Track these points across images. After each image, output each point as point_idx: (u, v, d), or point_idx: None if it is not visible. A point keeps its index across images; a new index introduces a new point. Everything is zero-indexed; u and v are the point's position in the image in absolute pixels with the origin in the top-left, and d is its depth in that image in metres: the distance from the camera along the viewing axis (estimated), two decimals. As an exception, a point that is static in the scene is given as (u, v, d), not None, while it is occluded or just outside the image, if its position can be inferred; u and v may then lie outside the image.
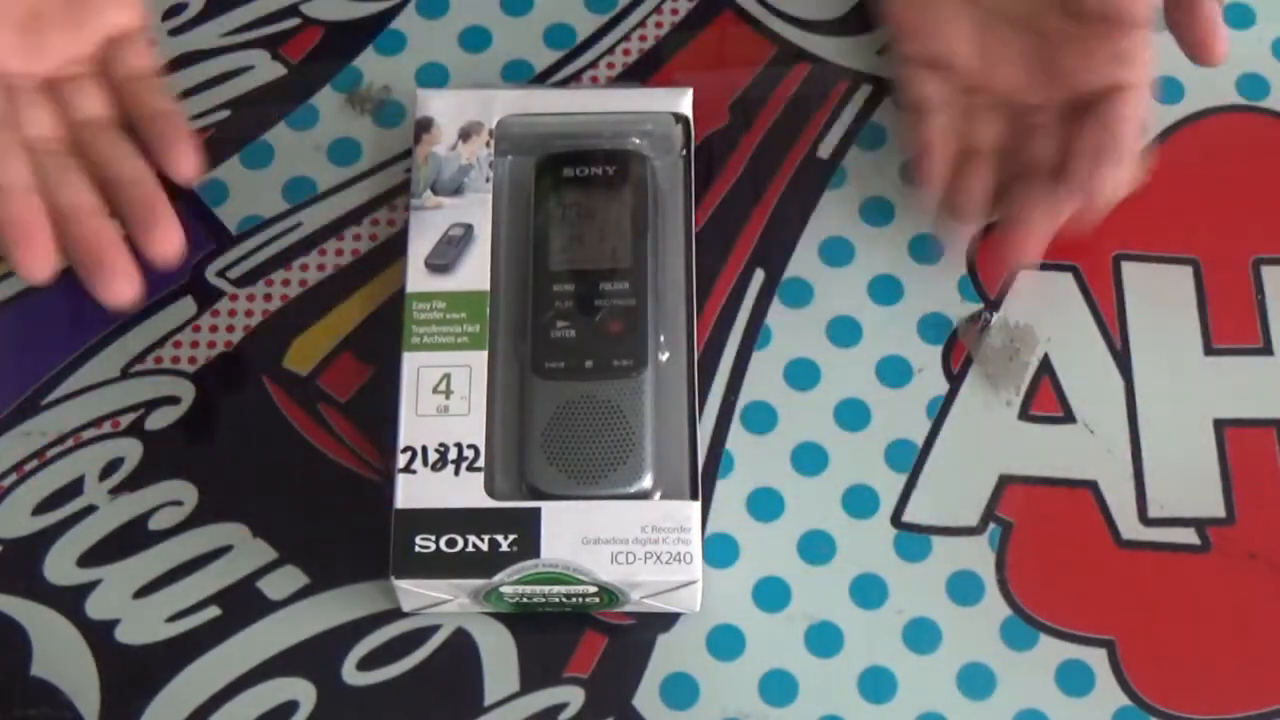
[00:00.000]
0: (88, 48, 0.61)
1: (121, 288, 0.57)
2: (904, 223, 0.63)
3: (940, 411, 0.60)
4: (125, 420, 0.60)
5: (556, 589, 0.54)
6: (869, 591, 0.57)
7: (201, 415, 0.60)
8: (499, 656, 0.56)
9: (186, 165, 0.60)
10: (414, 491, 0.55)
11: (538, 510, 0.54)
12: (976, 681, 0.56)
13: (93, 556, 0.57)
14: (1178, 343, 0.61)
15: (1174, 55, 0.66)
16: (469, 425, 0.55)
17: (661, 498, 0.55)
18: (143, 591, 0.57)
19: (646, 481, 0.55)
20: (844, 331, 0.61)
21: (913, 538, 0.58)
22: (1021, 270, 0.61)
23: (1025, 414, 0.60)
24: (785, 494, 0.59)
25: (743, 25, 0.66)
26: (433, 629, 0.57)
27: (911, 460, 0.59)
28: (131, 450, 0.59)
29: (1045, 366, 0.61)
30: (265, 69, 0.66)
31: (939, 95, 0.62)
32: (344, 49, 0.66)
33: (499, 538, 0.54)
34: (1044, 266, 0.62)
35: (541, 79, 0.66)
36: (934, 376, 0.61)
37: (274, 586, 0.57)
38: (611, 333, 0.57)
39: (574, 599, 0.55)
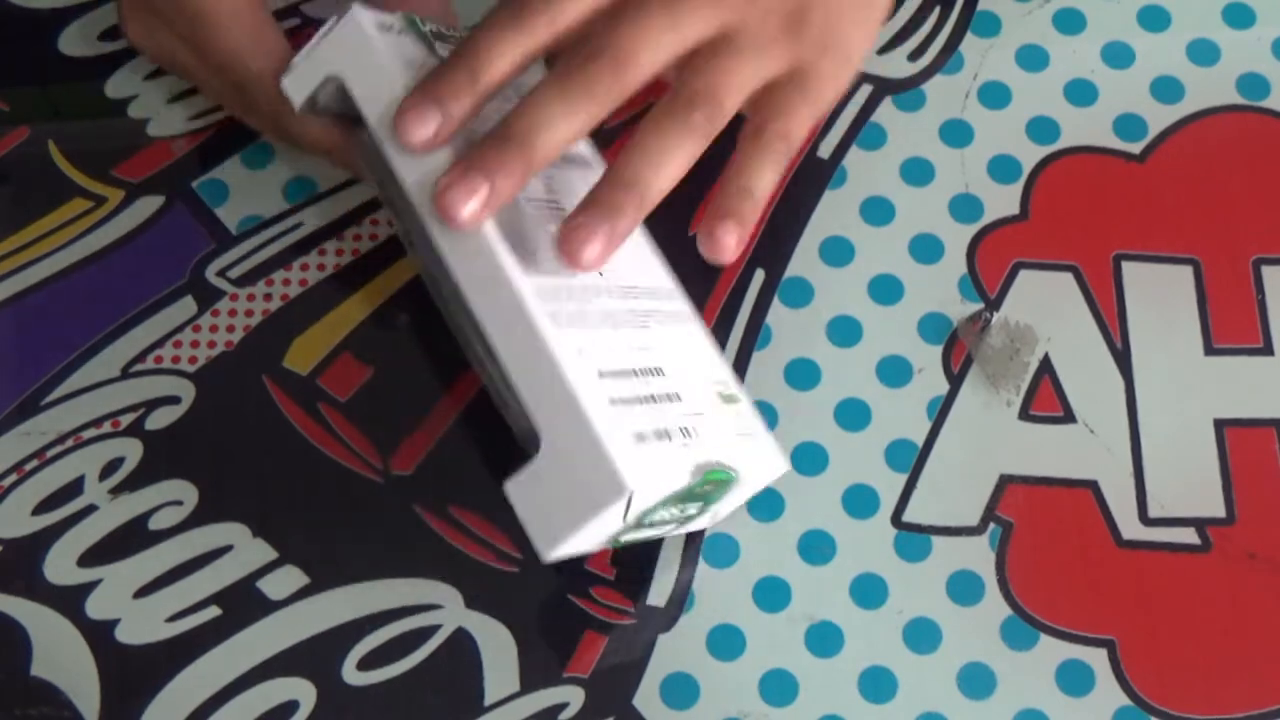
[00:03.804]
0: None
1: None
2: (904, 223, 0.63)
3: (940, 411, 0.60)
4: (125, 420, 0.60)
5: (688, 507, 0.53)
6: (869, 591, 0.57)
7: (201, 415, 0.60)
8: (499, 656, 0.56)
9: None
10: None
11: None
12: (976, 681, 0.56)
13: (93, 556, 0.57)
14: (1178, 343, 0.61)
15: (1173, 54, 0.66)
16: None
17: None
18: (143, 591, 0.57)
19: None
20: (844, 331, 0.61)
21: (913, 538, 0.58)
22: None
23: (1025, 414, 0.60)
24: (785, 493, 0.59)
25: (743, 25, 0.66)
26: (433, 629, 0.57)
27: (911, 460, 0.59)
28: (131, 450, 0.59)
29: (1045, 366, 0.61)
30: (265, 69, 0.66)
31: None
32: (344, 49, 0.66)
33: None
34: (1044, 267, 0.62)
35: (541, 79, 0.66)
36: (934, 376, 0.61)
37: (274, 586, 0.57)
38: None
39: (684, 517, 0.54)
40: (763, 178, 0.53)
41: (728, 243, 0.52)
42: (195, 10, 0.57)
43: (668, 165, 0.52)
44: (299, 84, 0.55)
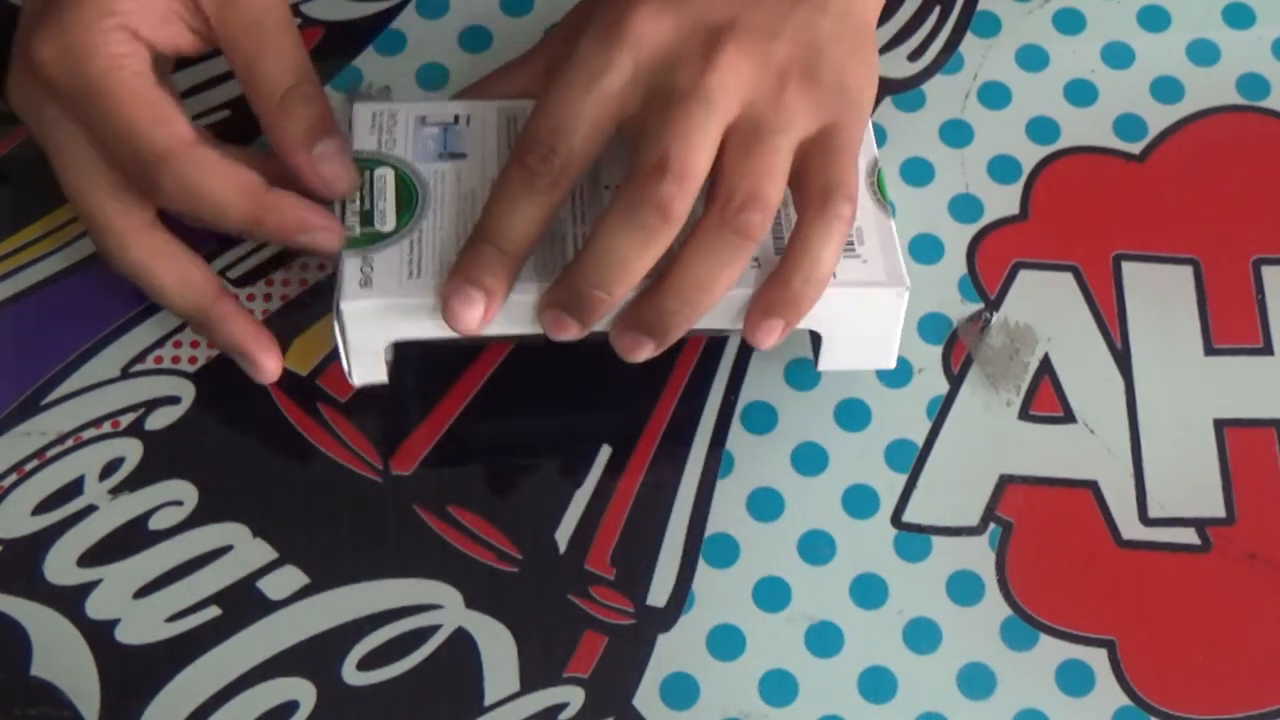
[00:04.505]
0: None
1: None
2: (904, 223, 0.63)
3: (940, 411, 0.60)
4: (125, 420, 0.60)
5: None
6: (869, 591, 0.57)
7: (201, 415, 0.60)
8: (499, 656, 0.56)
9: None
10: None
11: None
12: (976, 681, 0.56)
13: (93, 556, 0.57)
14: (1178, 343, 0.61)
15: (1173, 54, 0.66)
16: None
17: None
18: (143, 591, 0.57)
19: None
20: (844, 331, 0.61)
21: (913, 538, 0.58)
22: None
23: (1025, 414, 0.60)
24: (785, 494, 0.59)
25: (743, 25, 0.66)
26: (433, 629, 0.57)
27: (911, 460, 0.59)
28: (131, 450, 0.59)
29: (1045, 366, 0.61)
30: (265, 69, 0.66)
31: None
32: (344, 49, 0.66)
33: None
34: (1044, 267, 0.62)
35: (541, 79, 0.66)
36: (934, 376, 0.61)
37: (274, 586, 0.57)
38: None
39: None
40: (829, 254, 0.53)
41: (775, 333, 0.54)
42: (88, 85, 0.54)
43: (719, 286, 0.53)
44: (368, 373, 0.56)
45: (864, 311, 0.56)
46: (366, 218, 0.56)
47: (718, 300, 0.53)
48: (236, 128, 0.64)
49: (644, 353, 0.54)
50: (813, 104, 0.53)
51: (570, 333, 0.54)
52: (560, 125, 0.52)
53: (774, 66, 0.53)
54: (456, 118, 0.58)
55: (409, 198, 0.56)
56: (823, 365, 0.58)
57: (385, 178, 0.57)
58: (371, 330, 0.55)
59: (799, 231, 0.53)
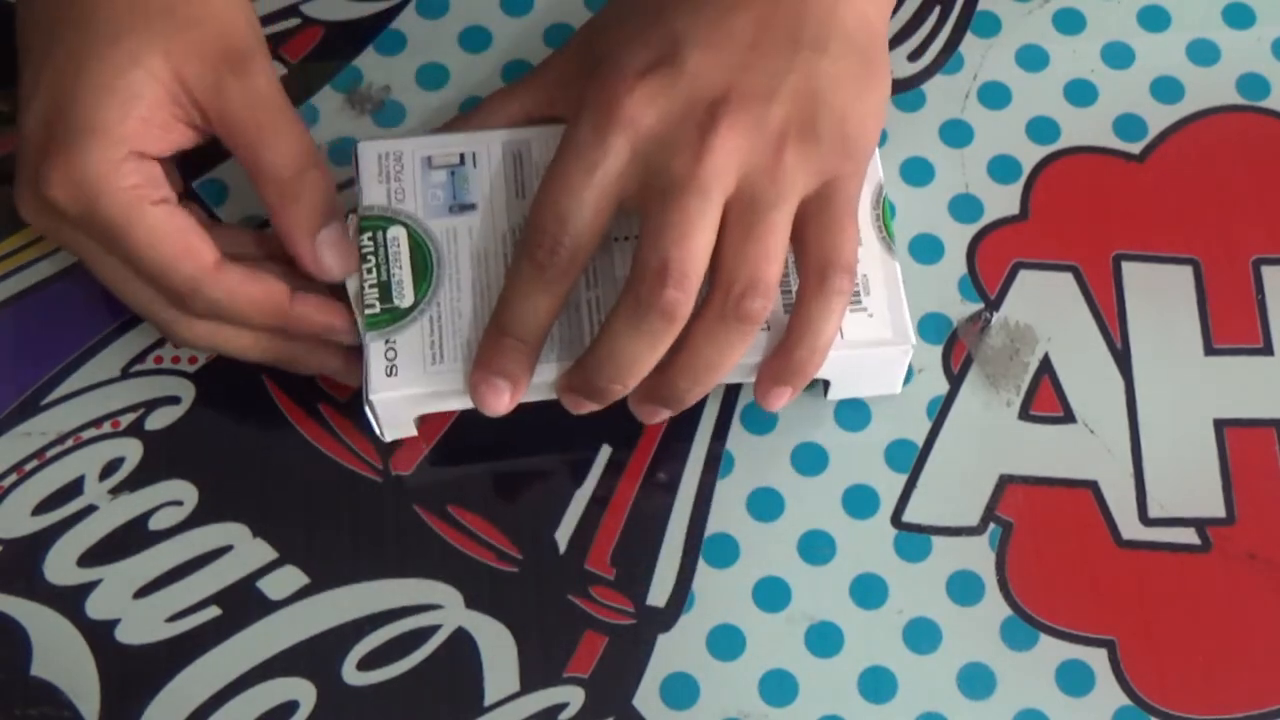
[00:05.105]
0: None
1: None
2: (904, 222, 0.63)
3: (940, 411, 0.60)
4: (125, 420, 0.60)
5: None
6: (869, 591, 0.57)
7: (201, 415, 0.60)
8: (499, 656, 0.56)
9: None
10: None
11: None
12: (976, 681, 0.56)
13: (93, 556, 0.57)
14: (1178, 343, 0.61)
15: (1173, 54, 0.66)
16: None
17: None
18: (143, 591, 0.57)
19: None
20: (844, 331, 0.61)
21: (913, 538, 0.58)
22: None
23: (1025, 414, 0.60)
24: (785, 494, 0.59)
25: (743, 25, 0.66)
26: (433, 629, 0.57)
27: (911, 460, 0.59)
28: (131, 450, 0.59)
29: (1045, 366, 0.61)
30: (265, 69, 0.66)
31: None
32: (344, 49, 0.66)
33: None
34: (1044, 267, 0.62)
35: (541, 79, 0.66)
36: (934, 376, 0.61)
37: (274, 586, 0.57)
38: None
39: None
40: (829, 327, 0.54)
41: (785, 398, 0.56)
42: (108, 227, 0.54)
43: (727, 364, 0.54)
44: (400, 433, 0.58)
45: (871, 364, 0.57)
46: (385, 291, 0.56)
47: (728, 372, 0.54)
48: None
49: (660, 418, 0.57)
50: (811, 166, 0.53)
51: (588, 410, 0.56)
52: (564, 215, 0.53)
53: (770, 132, 0.53)
54: (462, 157, 0.58)
55: (424, 263, 0.57)
56: (831, 397, 0.59)
57: (398, 240, 0.57)
58: (401, 411, 0.57)
59: (800, 306, 0.54)
